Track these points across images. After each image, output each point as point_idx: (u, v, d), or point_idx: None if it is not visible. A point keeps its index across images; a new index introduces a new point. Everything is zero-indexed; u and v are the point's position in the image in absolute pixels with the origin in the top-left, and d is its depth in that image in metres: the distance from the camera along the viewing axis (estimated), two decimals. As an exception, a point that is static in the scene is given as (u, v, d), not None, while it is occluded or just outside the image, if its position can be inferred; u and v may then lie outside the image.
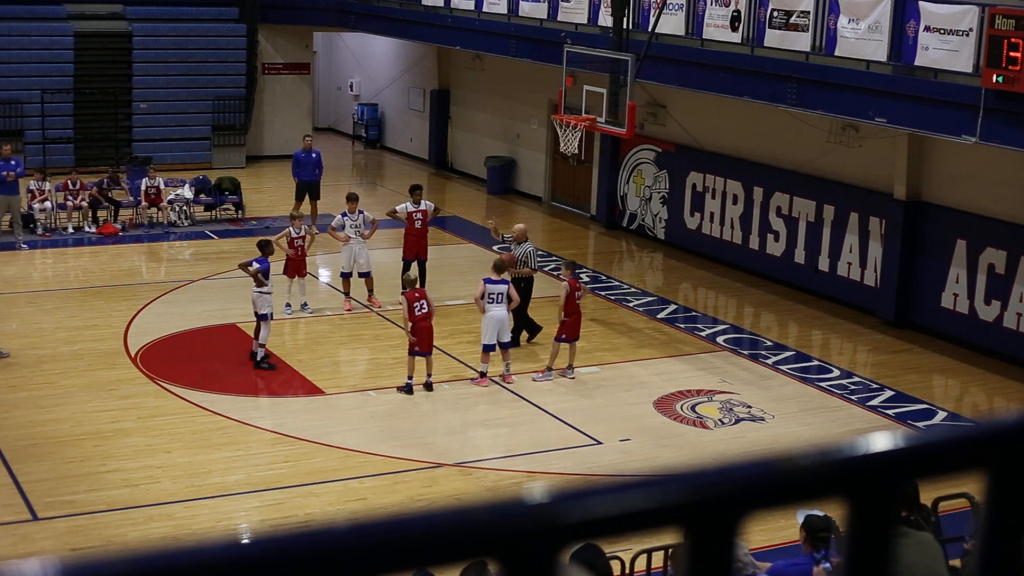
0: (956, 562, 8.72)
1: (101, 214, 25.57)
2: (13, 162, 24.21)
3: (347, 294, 20.68)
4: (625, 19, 22.05)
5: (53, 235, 24.77)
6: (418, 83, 34.59)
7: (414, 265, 20.88)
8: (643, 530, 1.19)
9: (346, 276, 20.64)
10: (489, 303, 17.11)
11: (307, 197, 25.66)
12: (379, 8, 31.74)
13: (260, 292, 17.63)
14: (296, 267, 20.07)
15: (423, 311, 16.78)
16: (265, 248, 18.06)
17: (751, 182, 23.59)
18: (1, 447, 14.74)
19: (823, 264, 22.10)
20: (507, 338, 17.28)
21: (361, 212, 20.71)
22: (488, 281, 17.21)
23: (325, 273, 22.37)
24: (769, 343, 19.82)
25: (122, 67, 31.13)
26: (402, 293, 17.50)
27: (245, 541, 1.08)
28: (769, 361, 18.87)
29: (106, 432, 15.30)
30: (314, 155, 25.77)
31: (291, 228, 20.16)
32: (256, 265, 17.71)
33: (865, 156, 21.15)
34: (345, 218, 20.60)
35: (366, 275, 20.62)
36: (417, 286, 17.76)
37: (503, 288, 17.21)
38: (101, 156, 29.78)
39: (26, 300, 19.89)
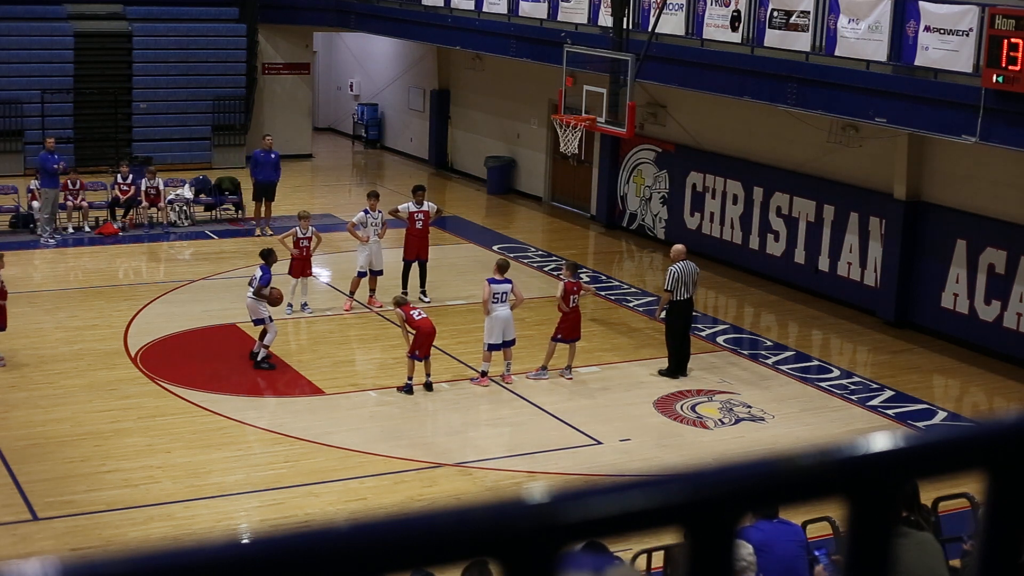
0: (956, 562, 8.72)
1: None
2: (56, 156, 24.60)
3: (351, 294, 20.65)
4: (625, 19, 22.07)
5: (53, 235, 24.75)
6: (418, 83, 34.59)
7: (411, 277, 20.79)
8: (643, 530, 1.19)
9: (361, 276, 20.58)
10: (494, 303, 17.11)
11: (263, 198, 25.59)
12: (379, 8, 31.73)
13: (255, 298, 17.60)
14: (301, 267, 20.09)
15: (422, 316, 16.80)
16: (268, 257, 18.02)
17: (751, 182, 23.59)
18: (1, 447, 14.74)
19: (823, 264, 22.09)
20: (511, 336, 17.26)
21: (380, 211, 20.73)
22: (492, 281, 17.21)
23: (325, 273, 22.36)
24: (769, 343, 19.81)
25: (122, 67, 31.13)
26: (398, 307, 17.19)
27: (245, 541, 1.08)
28: (769, 361, 18.87)
29: (106, 432, 15.30)
30: (273, 155, 25.65)
31: (298, 228, 20.16)
32: (269, 290, 17.66)
33: (865, 156, 21.15)
34: (367, 215, 20.57)
35: (377, 273, 20.62)
36: (409, 303, 17.63)
37: (507, 287, 17.23)
38: (101, 156, 29.79)
39: (26, 300, 19.88)
